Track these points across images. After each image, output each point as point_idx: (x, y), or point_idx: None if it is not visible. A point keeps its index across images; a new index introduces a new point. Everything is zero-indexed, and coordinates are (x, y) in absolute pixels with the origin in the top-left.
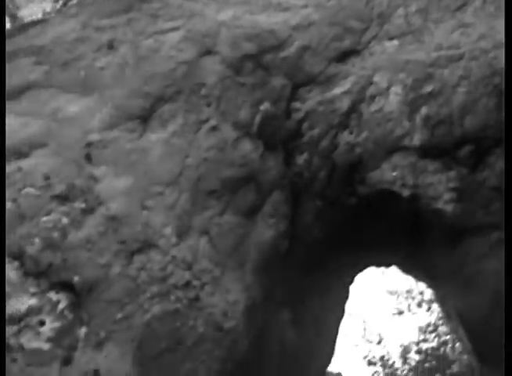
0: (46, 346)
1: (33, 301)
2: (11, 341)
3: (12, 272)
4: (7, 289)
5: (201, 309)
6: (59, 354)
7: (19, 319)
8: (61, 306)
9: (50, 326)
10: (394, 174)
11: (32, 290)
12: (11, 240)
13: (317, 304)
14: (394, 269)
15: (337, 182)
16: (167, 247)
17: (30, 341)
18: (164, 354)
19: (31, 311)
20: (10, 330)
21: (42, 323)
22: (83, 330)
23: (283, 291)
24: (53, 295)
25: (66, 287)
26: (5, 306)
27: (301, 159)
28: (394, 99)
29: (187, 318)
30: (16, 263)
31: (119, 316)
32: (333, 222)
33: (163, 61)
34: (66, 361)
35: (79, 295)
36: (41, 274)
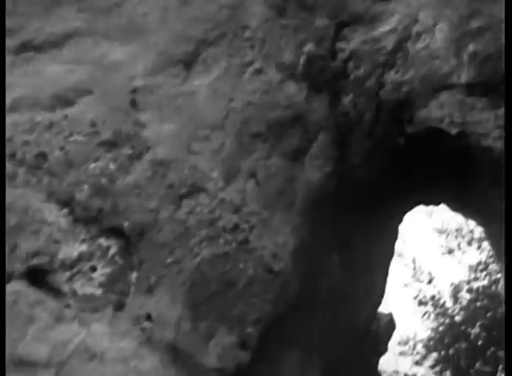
0: (98, 292)
1: (83, 248)
2: (64, 287)
3: (62, 219)
4: (58, 236)
5: (250, 251)
6: (112, 299)
7: (70, 265)
8: (112, 252)
9: (101, 271)
10: (442, 112)
11: (82, 236)
12: (60, 187)
13: (366, 244)
14: (442, 207)
15: (384, 122)
16: (215, 190)
17: (82, 287)
18: (214, 297)
19: (82, 257)
20: (63, 276)
21: (94, 269)
22: (134, 276)
23: (332, 232)
24: (103, 241)
25: (116, 232)
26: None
27: (346, 99)
28: (440, 37)
29: (237, 261)
30: (66, 210)
31: (169, 260)
32: (381, 162)
33: (205, 4)
34: (119, 306)
35: (129, 241)
36: (90, 220)
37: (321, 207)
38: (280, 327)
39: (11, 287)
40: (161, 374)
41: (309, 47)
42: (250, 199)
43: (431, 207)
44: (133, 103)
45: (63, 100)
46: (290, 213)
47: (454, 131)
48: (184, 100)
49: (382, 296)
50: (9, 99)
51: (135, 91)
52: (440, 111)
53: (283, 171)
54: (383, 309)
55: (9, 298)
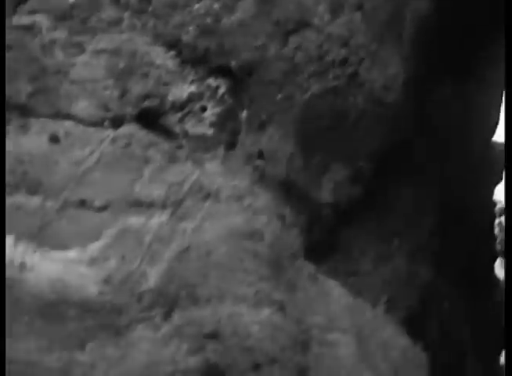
0: (210, 131)
1: (193, 89)
2: (175, 128)
3: (169, 61)
4: (167, 78)
5: (360, 84)
6: (223, 138)
7: (181, 106)
8: (221, 91)
9: (212, 111)
10: None
11: (191, 77)
12: (165, 29)
13: (480, 73)
14: None
15: None
16: (322, 24)
17: (194, 127)
18: (325, 132)
19: (192, 98)
20: (174, 118)
21: (204, 109)
22: (244, 114)
23: (444, 63)
24: (212, 81)
25: (224, 72)
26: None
27: None
28: None
29: (347, 95)
30: (173, 52)
31: (279, 97)
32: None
33: None
34: (231, 145)
35: (237, 80)
36: (198, 61)
37: (432, 36)
38: (393, 160)
39: (123, 131)
40: (276, 211)
41: None
42: (357, 31)
43: None
44: None
45: None
46: (399, 44)
47: None
48: None
49: (496, 124)
50: None
51: None
52: None
53: (390, 1)
54: (497, 137)
55: (121, 141)
